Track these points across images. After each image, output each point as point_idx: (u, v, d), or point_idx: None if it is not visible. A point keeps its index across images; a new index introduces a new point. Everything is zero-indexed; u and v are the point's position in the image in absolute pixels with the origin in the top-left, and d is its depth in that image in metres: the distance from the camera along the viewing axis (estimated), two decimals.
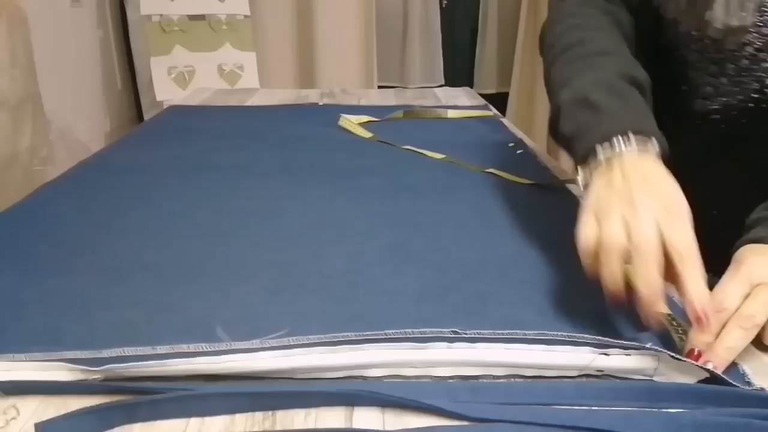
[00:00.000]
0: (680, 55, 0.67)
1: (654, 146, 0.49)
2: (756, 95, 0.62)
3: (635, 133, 0.49)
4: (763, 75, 0.61)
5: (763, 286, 0.42)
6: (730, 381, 0.39)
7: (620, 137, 0.49)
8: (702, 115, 0.68)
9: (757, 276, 0.43)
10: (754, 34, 0.60)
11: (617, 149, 0.49)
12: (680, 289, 0.41)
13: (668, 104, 0.68)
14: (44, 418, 0.36)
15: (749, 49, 0.61)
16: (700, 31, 0.62)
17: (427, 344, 0.41)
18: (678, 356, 0.40)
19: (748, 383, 0.40)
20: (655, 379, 0.41)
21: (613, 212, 0.44)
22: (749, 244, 0.47)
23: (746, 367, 0.41)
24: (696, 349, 0.40)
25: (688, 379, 0.40)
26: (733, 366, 0.41)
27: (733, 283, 0.43)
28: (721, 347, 0.40)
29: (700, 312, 0.40)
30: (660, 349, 0.40)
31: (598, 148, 0.50)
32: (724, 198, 0.65)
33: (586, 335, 0.41)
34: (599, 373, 0.41)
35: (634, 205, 0.44)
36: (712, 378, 0.40)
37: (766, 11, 0.58)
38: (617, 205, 0.44)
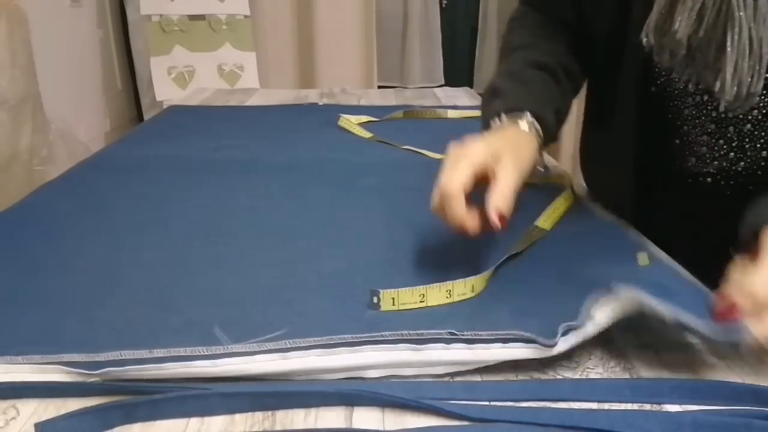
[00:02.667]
0: (674, 106, 0.63)
1: (525, 118, 0.61)
2: (765, 163, 0.58)
3: (508, 112, 0.61)
4: None
5: None
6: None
7: (496, 118, 0.62)
8: (694, 176, 0.64)
9: None
10: (763, 99, 0.55)
11: (495, 125, 0.62)
12: (490, 188, 0.50)
13: (658, 157, 0.66)
14: (44, 418, 0.36)
15: (755, 113, 0.56)
16: (700, 86, 0.58)
17: (425, 345, 0.41)
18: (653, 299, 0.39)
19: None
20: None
21: (459, 146, 0.54)
22: None
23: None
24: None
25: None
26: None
27: None
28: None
29: (495, 208, 0.49)
30: (638, 291, 0.41)
31: (484, 132, 0.62)
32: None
33: (573, 323, 0.41)
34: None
35: (471, 141, 0.54)
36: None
37: None
38: (464, 144, 0.54)
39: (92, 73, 2.43)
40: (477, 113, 1.20)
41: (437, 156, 0.88)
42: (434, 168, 0.86)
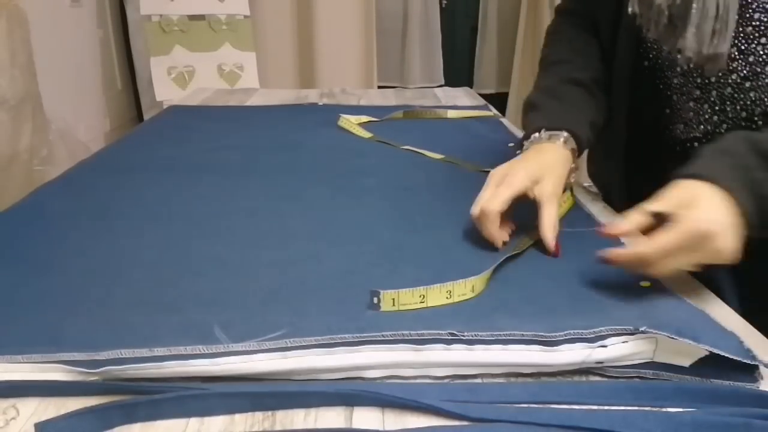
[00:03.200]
0: (664, 77, 0.67)
1: (561, 136, 0.66)
2: (745, 124, 0.61)
3: (548, 129, 0.67)
4: (752, 104, 0.60)
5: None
6: (733, 356, 0.39)
7: (537, 133, 0.67)
8: (682, 143, 0.68)
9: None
10: (740, 62, 0.59)
11: (533, 140, 0.67)
12: (539, 220, 0.58)
13: (651, 128, 0.71)
14: (44, 418, 0.36)
15: (734, 77, 0.60)
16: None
17: (425, 346, 0.41)
18: (674, 336, 0.40)
19: (753, 357, 0.39)
20: (655, 359, 0.41)
21: (504, 168, 0.61)
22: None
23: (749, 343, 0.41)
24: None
25: (687, 360, 0.41)
26: (736, 342, 0.41)
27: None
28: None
29: (550, 240, 0.56)
30: (656, 331, 0.40)
31: (525, 143, 0.68)
32: None
33: (582, 331, 0.41)
34: (600, 365, 0.41)
35: (514, 164, 0.61)
36: (715, 354, 0.39)
37: (751, 39, 0.57)
38: (509, 165, 0.62)
39: (92, 73, 2.43)
40: (477, 113, 1.21)
41: (436, 156, 0.88)
42: (434, 168, 0.86)
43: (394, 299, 0.46)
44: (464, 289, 0.48)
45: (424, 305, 0.46)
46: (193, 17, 2.41)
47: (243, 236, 0.61)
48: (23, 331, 0.44)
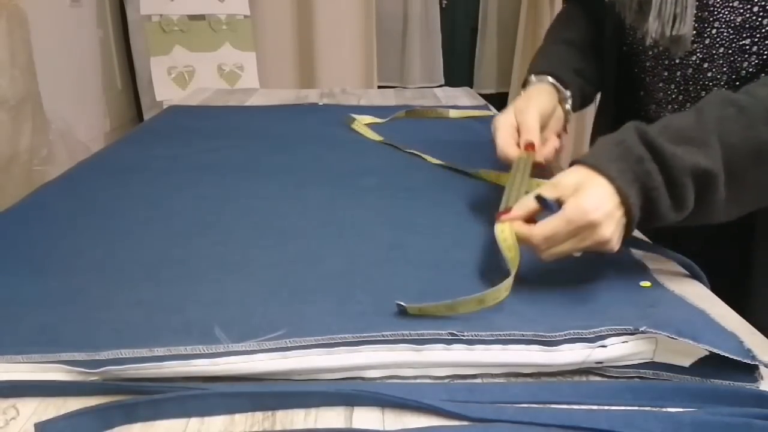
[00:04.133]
0: (639, 60, 0.72)
1: (546, 79, 0.74)
2: None
3: (536, 74, 0.75)
4: (710, 83, 0.64)
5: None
6: (733, 356, 0.39)
7: (528, 78, 0.76)
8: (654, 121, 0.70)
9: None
10: (698, 45, 0.63)
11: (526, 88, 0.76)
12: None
13: (629, 110, 0.76)
14: (44, 418, 0.36)
15: (694, 59, 0.64)
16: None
17: (425, 346, 0.41)
18: (674, 336, 0.40)
19: (753, 357, 0.40)
20: (655, 360, 0.41)
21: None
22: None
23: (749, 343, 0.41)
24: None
25: (687, 360, 0.41)
26: (736, 342, 0.41)
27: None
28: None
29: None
30: (656, 331, 0.40)
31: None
32: None
33: (582, 331, 0.41)
34: (600, 365, 0.41)
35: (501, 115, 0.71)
36: (715, 354, 0.39)
37: (707, 23, 0.61)
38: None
39: (92, 73, 2.43)
40: (478, 113, 1.20)
41: (437, 161, 0.87)
42: (435, 169, 0.86)
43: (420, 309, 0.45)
44: (498, 294, 0.46)
45: (453, 312, 0.45)
46: (193, 17, 2.41)
47: (243, 236, 0.61)
48: (23, 331, 0.44)
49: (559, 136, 0.73)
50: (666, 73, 0.69)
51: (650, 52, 0.70)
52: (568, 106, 0.74)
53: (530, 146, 0.65)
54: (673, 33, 0.61)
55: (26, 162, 1.64)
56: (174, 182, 0.78)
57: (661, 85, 0.70)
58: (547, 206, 0.49)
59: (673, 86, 0.69)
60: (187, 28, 2.40)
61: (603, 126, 0.80)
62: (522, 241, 0.49)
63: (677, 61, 0.66)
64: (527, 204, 0.51)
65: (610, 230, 0.47)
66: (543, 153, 0.67)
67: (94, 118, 2.40)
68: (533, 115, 0.67)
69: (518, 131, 0.67)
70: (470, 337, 0.41)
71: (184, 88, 2.34)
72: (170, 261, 0.56)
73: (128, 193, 0.74)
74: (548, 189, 0.50)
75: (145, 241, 0.60)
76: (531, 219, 0.51)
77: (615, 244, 0.48)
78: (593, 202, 0.47)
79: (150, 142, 0.99)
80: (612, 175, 0.48)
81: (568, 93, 0.74)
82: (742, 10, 0.59)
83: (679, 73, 0.67)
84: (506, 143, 0.66)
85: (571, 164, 0.52)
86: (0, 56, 1.56)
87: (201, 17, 2.42)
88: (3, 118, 1.55)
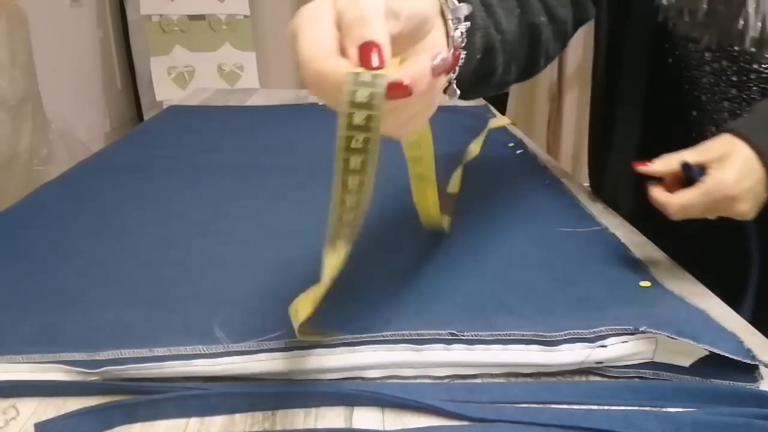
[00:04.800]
0: (691, 77, 0.62)
1: None
2: None
3: None
4: None
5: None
6: (733, 356, 0.39)
7: None
8: None
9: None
10: None
11: None
12: None
13: (675, 134, 0.65)
14: (44, 418, 0.36)
15: None
16: (724, 46, 0.56)
17: (425, 346, 0.41)
18: (674, 336, 0.40)
19: (753, 357, 0.39)
20: (655, 360, 0.41)
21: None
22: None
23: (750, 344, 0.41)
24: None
25: (687, 360, 0.41)
26: (736, 342, 0.41)
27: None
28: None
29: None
30: (656, 331, 0.40)
31: None
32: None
33: (582, 331, 0.41)
34: (600, 365, 0.41)
35: None
36: (715, 354, 0.39)
37: None
38: None
39: (92, 73, 2.43)
40: (495, 124, 1.20)
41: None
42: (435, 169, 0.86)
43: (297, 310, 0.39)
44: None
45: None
46: (193, 17, 2.41)
47: (243, 236, 0.61)
48: (23, 331, 0.44)
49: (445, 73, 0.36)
50: (734, 91, 0.58)
51: (707, 68, 0.59)
52: (456, 33, 0.41)
53: (366, 48, 0.32)
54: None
55: (26, 162, 1.64)
56: (174, 182, 0.78)
57: (726, 104, 0.60)
58: (691, 174, 0.47)
59: (745, 104, 0.58)
60: (187, 28, 2.40)
61: (623, 148, 0.69)
62: (659, 206, 0.48)
63: (752, 76, 0.56)
64: (671, 163, 0.48)
65: (748, 206, 0.46)
66: (407, 72, 0.32)
67: (94, 118, 2.40)
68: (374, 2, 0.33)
69: (340, 28, 0.33)
70: (470, 337, 0.41)
71: (184, 88, 2.34)
72: (170, 261, 0.56)
73: (128, 193, 0.74)
74: (692, 154, 0.47)
75: (145, 240, 0.60)
76: (676, 181, 0.49)
77: (750, 216, 0.47)
78: (736, 175, 0.45)
79: (150, 142, 0.99)
80: (762, 149, 0.46)
81: (462, 9, 0.41)
82: None
83: (755, 89, 0.57)
84: (316, 48, 0.33)
85: (723, 131, 0.49)
86: (0, 56, 1.56)
87: (201, 17, 2.42)
88: (3, 118, 1.55)
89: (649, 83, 0.65)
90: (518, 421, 0.37)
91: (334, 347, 0.40)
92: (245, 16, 2.46)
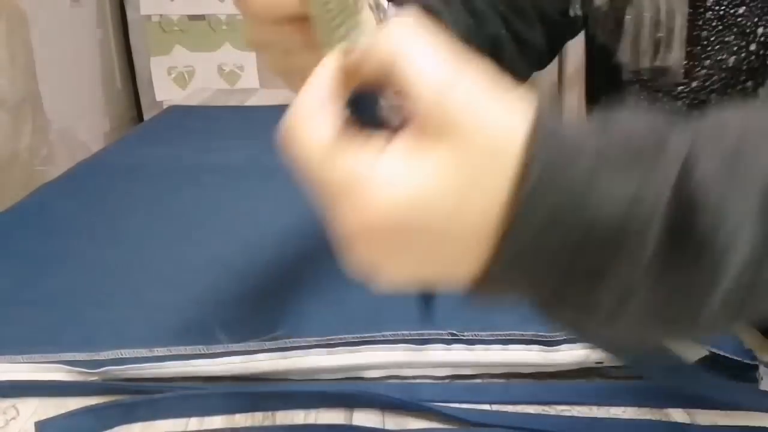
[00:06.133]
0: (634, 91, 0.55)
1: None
2: None
3: None
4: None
5: None
6: (733, 356, 0.39)
7: None
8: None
9: None
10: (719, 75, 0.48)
11: None
12: None
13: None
14: (44, 418, 0.36)
15: (713, 96, 0.49)
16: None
17: (425, 346, 0.41)
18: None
19: (753, 357, 0.39)
20: None
21: None
22: None
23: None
24: None
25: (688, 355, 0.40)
26: (736, 342, 0.41)
27: None
28: None
29: None
30: None
31: None
32: None
33: None
34: (600, 365, 0.41)
35: None
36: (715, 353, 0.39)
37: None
38: None
39: (92, 73, 2.43)
40: None
41: None
42: None
43: None
44: None
45: None
46: (193, 17, 2.41)
47: (243, 236, 0.61)
48: (23, 331, 0.44)
49: None
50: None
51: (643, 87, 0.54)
52: None
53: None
54: (661, 63, 0.48)
55: (26, 162, 1.64)
56: (174, 182, 0.78)
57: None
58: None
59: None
60: (187, 28, 2.40)
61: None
62: None
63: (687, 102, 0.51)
64: None
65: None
66: None
67: (94, 118, 2.40)
68: None
69: None
70: (470, 337, 0.41)
71: (184, 88, 2.34)
72: (170, 261, 0.56)
73: (128, 193, 0.74)
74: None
75: (145, 240, 0.60)
76: None
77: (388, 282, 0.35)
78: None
79: (150, 142, 0.99)
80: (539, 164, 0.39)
81: None
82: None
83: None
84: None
85: None
86: (0, 56, 1.56)
87: (201, 17, 2.42)
88: (3, 118, 1.55)
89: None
90: (519, 426, 0.37)
91: (334, 347, 0.40)
92: None
